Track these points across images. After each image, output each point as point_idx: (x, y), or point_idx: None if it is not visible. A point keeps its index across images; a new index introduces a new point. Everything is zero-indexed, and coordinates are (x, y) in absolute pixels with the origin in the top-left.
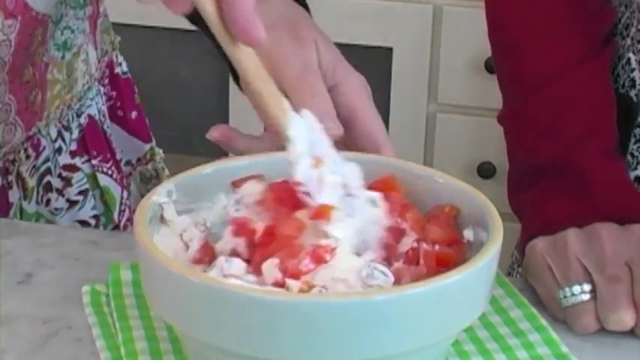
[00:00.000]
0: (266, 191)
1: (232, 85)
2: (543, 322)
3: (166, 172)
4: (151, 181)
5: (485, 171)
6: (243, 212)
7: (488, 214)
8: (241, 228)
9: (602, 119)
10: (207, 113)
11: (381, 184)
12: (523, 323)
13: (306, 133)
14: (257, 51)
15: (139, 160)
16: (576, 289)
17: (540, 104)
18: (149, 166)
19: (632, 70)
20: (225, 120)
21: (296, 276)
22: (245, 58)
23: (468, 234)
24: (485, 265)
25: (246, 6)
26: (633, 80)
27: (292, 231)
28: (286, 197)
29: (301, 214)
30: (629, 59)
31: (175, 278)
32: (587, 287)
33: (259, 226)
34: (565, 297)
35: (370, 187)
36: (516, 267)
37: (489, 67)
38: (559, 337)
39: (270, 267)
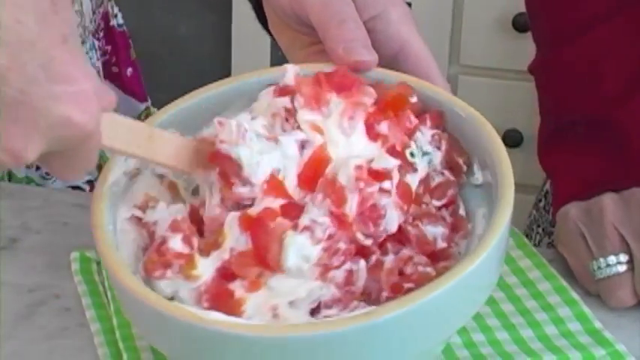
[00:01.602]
0: None
1: (235, 44)
2: (574, 295)
3: None
4: None
5: (512, 139)
6: None
7: (500, 185)
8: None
9: None
10: (206, 75)
11: (391, 100)
12: (552, 297)
13: None
14: None
15: None
16: (612, 259)
17: (577, 54)
18: None
19: None
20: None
21: None
22: None
23: (477, 175)
24: (488, 256)
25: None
26: None
27: None
28: None
29: None
30: None
31: (144, 308)
32: (623, 258)
33: None
34: (599, 268)
35: (380, 102)
36: (535, 227)
37: (518, 25)
38: (592, 312)
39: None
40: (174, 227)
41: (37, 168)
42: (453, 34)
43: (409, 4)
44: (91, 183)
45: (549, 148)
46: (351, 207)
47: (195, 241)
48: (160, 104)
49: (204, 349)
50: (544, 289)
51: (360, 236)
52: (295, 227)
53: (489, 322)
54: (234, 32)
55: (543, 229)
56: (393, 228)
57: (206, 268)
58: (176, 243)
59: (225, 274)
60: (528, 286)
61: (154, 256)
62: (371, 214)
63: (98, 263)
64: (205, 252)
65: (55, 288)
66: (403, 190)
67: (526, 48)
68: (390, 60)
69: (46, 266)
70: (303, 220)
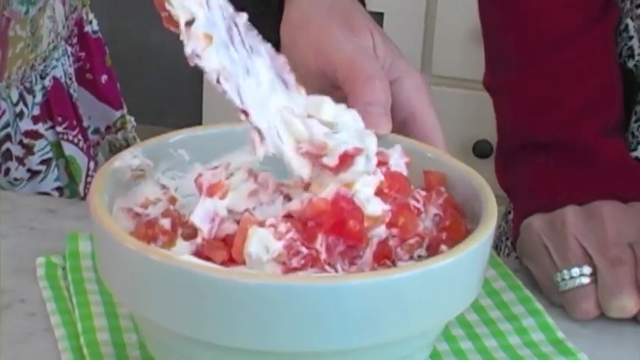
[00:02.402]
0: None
1: None
2: (538, 305)
3: (138, 142)
4: (120, 151)
5: (482, 149)
6: None
7: (482, 194)
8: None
9: (605, 95)
10: (180, 82)
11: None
12: (516, 307)
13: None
14: (306, 39)
15: (108, 128)
16: (575, 271)
17: (537, 75)
18: (119, 135)
19: (630, 37)
20: (198, 89)
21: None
22: None
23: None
24: (478, 248)
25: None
26: (631, 49)
27: None
28: None
29: None
30: (627, 26)
31: (122, 251)
32: (587, 270)
33: None
34: (563, 280)
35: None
36: (504, 239)
37: None
38: (555, 322)
39: None
40: (166, 214)
41: (6, 173)
42: (425, 45)
43: (381, 14)
44: (60, 190)
45: (509, 166)
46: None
47: (180, 230)
48: (134, 110)
49: (182, 290)
50: (508, 300)
51: (328, 268)
52: (262, 224)
53: (454, 332)
54: None
55: (512, 242)
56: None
57: (183, 249)
58: (165, 223)
59: (199, 258)
60: (493, 297)
61: (142, 228)
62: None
63: (64, 269)
64: (186, 238)
65: (20, 293)
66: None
67: None
68: (399, 124)
69: (12, 271)
70: (270, 220)
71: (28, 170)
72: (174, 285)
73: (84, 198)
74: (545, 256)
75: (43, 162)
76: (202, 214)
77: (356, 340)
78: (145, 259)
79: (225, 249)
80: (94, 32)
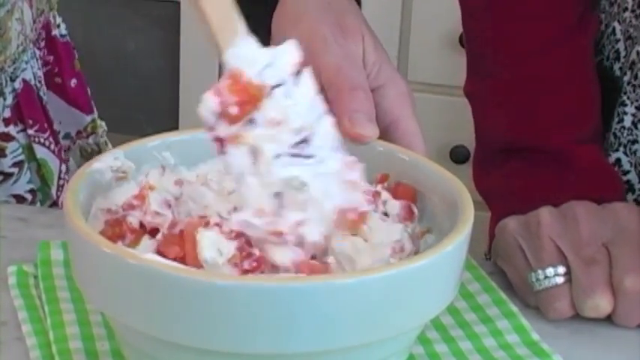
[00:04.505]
0: None
1: (183, 60)
2: (513, 307)
3: (109, 146)
4: (92, 156)
5: (459, 155)
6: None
7: (458, 196)
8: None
9: (581, 106)
10: (155, 90)
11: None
12: (491, 309)
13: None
14: (298, 37)
15: (79, 132)
16: (550, 271)
17: (513, 84)
18: (90, 140)
19: (617, 41)
20: (174, 99)
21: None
22: None
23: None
24: (452, 251)
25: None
26: (618, 52)
27: None
28: None
29: None
30: (614, 29)
31: (86, 248)
32: (561, 270)
33: None
34: (537, 280)
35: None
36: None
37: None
38: (530, 324)
39: None
40: (129, 206)
41: None
42: (400, 51)
43: None
44: (33, 192)
45: (486, 171)
46: None
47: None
48: (109, 119)
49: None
50: (483, 302)
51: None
52: (207, 225)
53: (429, 335)
54: (182, 48)
55: (488, 245)
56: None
57: (147, 247)
58: (133, 220)
59: (161, 256)
60: (468, 299)
61: (110, 226)
62: None
63: (35, 277)
64: (151, 235)
65: None
66: None
67: None
68: (381, 130)
69: None
70: (214, 219)
71: (1, 173)
72: (132, 282)
73: (56, 201)
74: (519, 256)
75: (15, 164)
76: (160, 200)
77: (327, 342)
78: (104, 256)
79: (181, 244)
80: (62, 36)
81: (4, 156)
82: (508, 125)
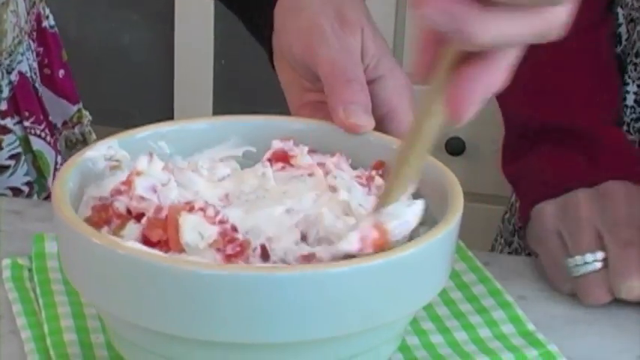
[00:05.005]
0: None
1: (178, 54)
2: (508, 298)
3: (93, 136)
4: (76, 146)
5: (454, 147)
6: None
7: (447, 184)
8: None
9: (606, 90)
10: (149, 85)
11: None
12: (486, 300)
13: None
14: (296, 28)
15: (64, 123)
16: (589, 257)
17: (539, 64)
18: (76, 130)
19: (619, 25)
20: (169, 92)
21: None
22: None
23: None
24: (441, 239)
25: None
26: (619, 36)
27: None
28: None
29: None
30: (617, 13)
31: (72, 235)
32: (600, 255)
33: None
34: (576, 266)
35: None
36: (499, 238)
37: None
38: (525, 314)
39: None
40: (117, 192)
41: None
42: (395, 43)
43: None
44: (30, 184)
45: (514, 156)
46: None
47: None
48: (104, 112)
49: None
50: (478, 293)
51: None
52: (191, 209)
53: (424, 326)
54: (176, 42)
55: (504, 239)
56: None
57: (132, 232)
58: (120, 205)
59: (146, 240)
60: (463, 290)
61: (96, 212)
62: None
63: (30, 270)
64: (137, 220)
65: None
66: None
67: None
68: (377, 119)
69: None
70: (198, 204)
71: None
72: (115, 271)
73: None
74: (556, 242)
75: (11, 157)
76: (146, 185)
77: (315, 332)
78: (87, 243)
79: (164, 228)
80: (51, 27)
81: (1, 148)
82: (535, 108)
